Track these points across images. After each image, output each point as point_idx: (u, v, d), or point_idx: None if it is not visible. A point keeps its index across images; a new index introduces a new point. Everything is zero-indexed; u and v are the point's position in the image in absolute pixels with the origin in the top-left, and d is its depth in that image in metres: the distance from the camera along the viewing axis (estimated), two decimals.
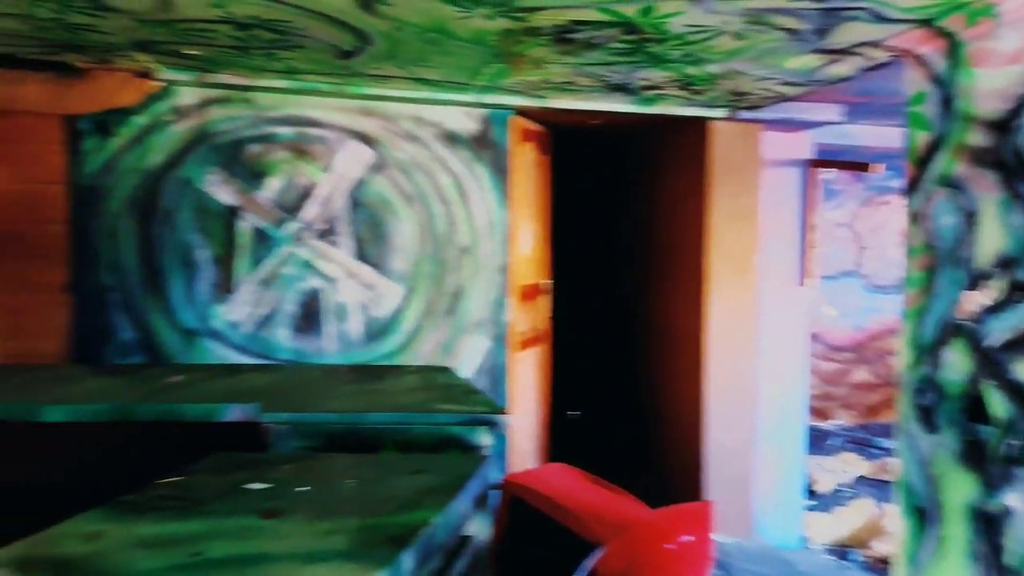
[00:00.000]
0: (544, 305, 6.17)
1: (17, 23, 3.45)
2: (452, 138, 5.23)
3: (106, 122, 4.68)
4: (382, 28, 3.38)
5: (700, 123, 5.43)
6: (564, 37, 3.44)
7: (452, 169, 5.25)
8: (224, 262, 4.91)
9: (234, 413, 2.68)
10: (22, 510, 2.58)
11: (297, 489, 1.92)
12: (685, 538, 3.41)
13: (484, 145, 5.28)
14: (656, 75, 4.18)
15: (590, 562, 3.34)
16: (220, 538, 1.62)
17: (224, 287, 4.92)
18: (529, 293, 5.80)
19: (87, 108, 4.46)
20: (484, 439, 2.61)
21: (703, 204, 5.49)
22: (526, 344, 5.74)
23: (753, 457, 5.60)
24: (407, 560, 1.56)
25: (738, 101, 4.95)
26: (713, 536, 3.49)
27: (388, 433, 2.57)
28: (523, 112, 5.37)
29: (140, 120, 4.73)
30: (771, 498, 5.68)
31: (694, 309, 5.62)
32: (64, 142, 4.63)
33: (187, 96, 4.76)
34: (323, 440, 2.53)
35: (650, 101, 5.03)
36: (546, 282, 6.21)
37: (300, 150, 4.98)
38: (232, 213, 4.89)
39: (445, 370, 3.63)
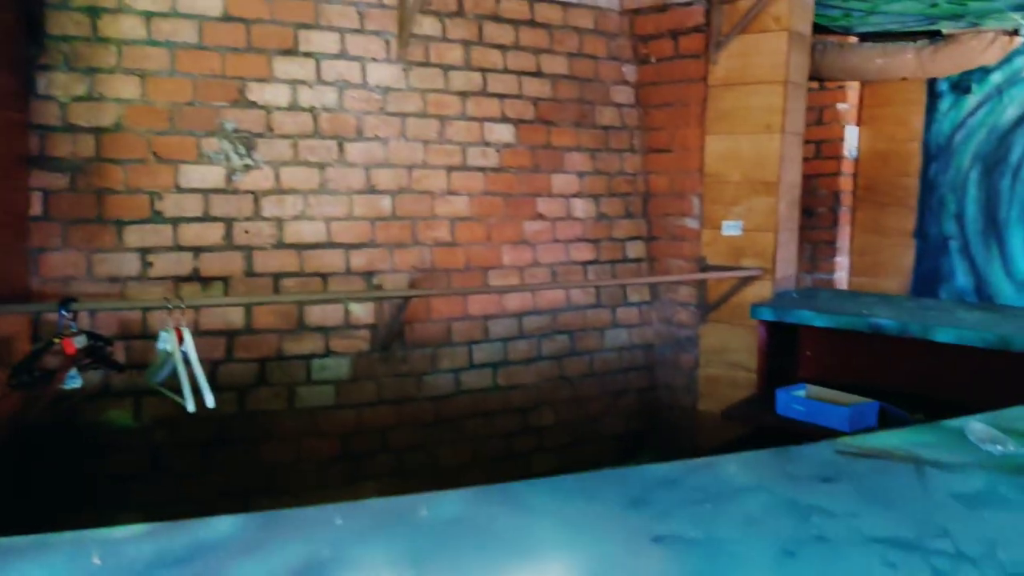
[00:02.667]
0: None
1: (914, 4, 4.12)
2: None
3: (963, 82, 5.09)
4: None
5: None
6: None
7: None
8: None
9: None
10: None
11: None
12: None
13: None
14: None
15: None
16: None
17: None
18: None
19: (949, 71, 4.94)
20: None
21: None
22: None
23: None
24: None
25: None
26: None
27: None
28: None
29: (996, 77, 4.98)
30: None
31: None
32: (923, 104, 5.24)
33: None
34: None
35: None
36: None
37: None
38: None
39: None
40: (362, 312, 3.36)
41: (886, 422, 3.30)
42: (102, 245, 2.95)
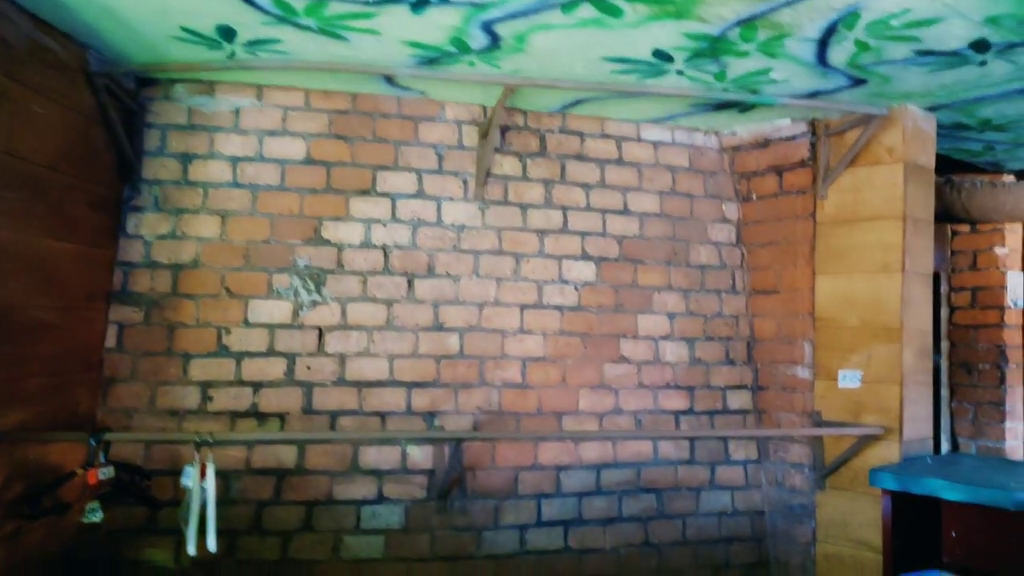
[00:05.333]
0: None
1: None
2: None
3: None
4: None
5: None
6: None
7: None
8: None
9: None
10: None
11: None
12: None
13: None
14: None
15: None
16: None
17: None
18: None
19: None
20: None
21: None
22: None
23: None
24: None
25: None
26: None
27: None
28: None
29: None
30: None
31: None
32: None
33: None
34: None
35: None
36: None
37: None
38: None
39: None
40: (420, 455, 3.17)
41: None
42: (167, 378, 3.01)
